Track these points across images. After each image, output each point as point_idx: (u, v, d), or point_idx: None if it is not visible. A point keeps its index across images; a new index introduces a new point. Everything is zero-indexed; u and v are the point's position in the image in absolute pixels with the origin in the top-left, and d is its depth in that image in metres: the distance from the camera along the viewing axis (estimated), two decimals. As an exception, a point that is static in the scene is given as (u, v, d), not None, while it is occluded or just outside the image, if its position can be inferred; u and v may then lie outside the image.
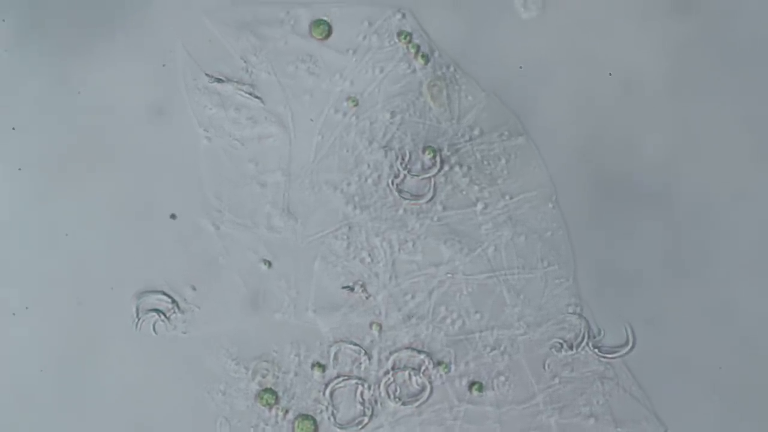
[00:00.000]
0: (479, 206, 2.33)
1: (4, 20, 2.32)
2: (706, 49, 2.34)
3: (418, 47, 2.32)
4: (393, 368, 2.35)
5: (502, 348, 2.35)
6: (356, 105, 2.32)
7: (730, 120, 2.34)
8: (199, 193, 2.34)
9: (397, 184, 2.32)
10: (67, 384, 2.37)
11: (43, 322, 2.36)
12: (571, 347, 2.35)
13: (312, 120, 2.32)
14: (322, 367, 2.35)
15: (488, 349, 2.35)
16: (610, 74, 2.34)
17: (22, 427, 2.37)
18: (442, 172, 2.32)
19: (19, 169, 2.34)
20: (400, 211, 2.33)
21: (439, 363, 2.35)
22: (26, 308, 2.35)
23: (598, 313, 2.34)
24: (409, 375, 2.34)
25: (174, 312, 2.33)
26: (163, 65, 2.33)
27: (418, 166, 2.33)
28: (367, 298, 2.34)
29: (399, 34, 2.32)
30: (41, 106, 2.33)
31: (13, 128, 2.33)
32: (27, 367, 2.36)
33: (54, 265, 2.35)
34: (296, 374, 2.35)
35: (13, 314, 2.35)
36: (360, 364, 2.35)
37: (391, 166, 2.32)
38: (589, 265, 2.34)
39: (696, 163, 2.35)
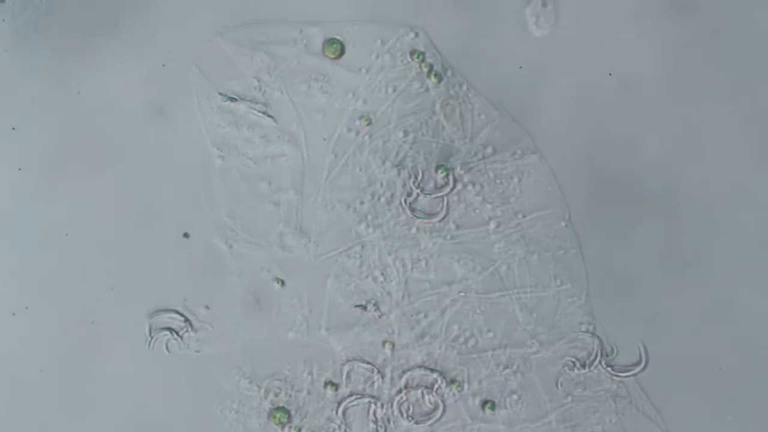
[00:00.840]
0: (492, 225, 2.33)
1: (3, 20, 2.32)
2: (706, 49, 2.34)
3: (431, 66, 2.32)
4: (406, 387, 2.35)
5: (514, 366, 2.35)
6: (369, 124, 2.32)
7: (730, 120, 2.34)
8: (212, 210, 2.34)
9: (410, 203, 2.33)
10: (67, 384, 2.37)
11: (43, 322, 2.36)
12: (584, 366, 2.35)
13: (325, 139, 2.32)
14: (335, 386, 2.35)
15: (501, 367, 2.35)
16: (610, 74, 2.34)
17: (22, 427, 2.37)
18: (455, 190, 2.33)
19: (19, 169, 2.34)
20: (413, 230, 2.33)
21: (452, 381, 2.35)
22: (26, 308, 2.35)
23: (597, 314, 2.34)
24: (422, 393, 2.35)
25: (187, 331, 2.34)
26: (163, 65, 2.33)
27: (431, 184, 2.33)
28: (380, 316, 2.34)
29: (412, 53, 2.32)
30: (41, 106, 2.34)
31: (13, 128, 2.33)
32: (27, 367, 2.36)
33: (54, 265, 2.35)
34: (309, 393, 2.35)
35: (13, 314, 2.35)
36: (373, 382, 2.35)
37: (404, 185, 2.33)
38: (589, 265, 2.34)
39: (696, 163, 2.35)
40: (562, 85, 2.34)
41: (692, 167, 2.35)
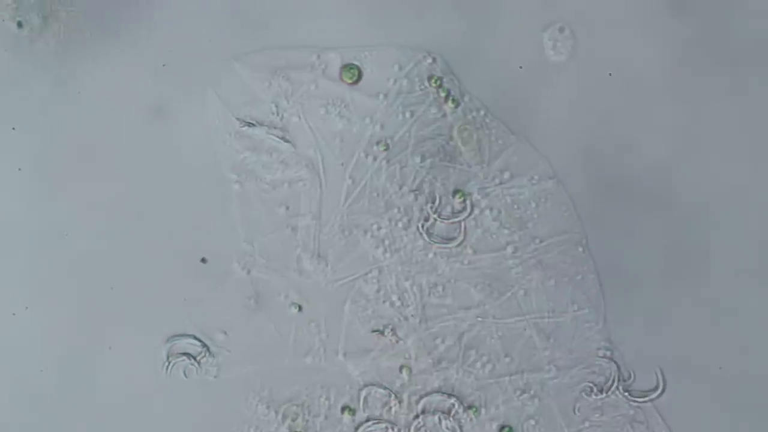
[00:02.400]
0: (509, 250, 2.33)
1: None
2: (706, 49, 2.33)
3: (448, 91, 2.32)
4: (423, 412, 2.34)
5: (532, 391, 2.34)
6: (386, 149, 2.32)
7: (730, 120, 2.33)
8: (227, 230, 2.34)
9: (427, 228, 2.33)
10: (67, 385, 2.37)
11: (43, 322, 2.36)
12: (601, 391, 2.34)
13: (342, 164, 2.32)
14: (352, 411, 2.34)
15: (518, 392, 2.34)
16: (610, 74, 2.34)
17: (22, 427, 2.37)
18: (472, 215, 2.33)
19: (19, 169, 2.34)
20: (430, 255, 2.33)
21: (469, 407, 2.34)
22: (26, 308, 2.35)
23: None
24: (440, 419, 2.34)
25: (204, 356, 2.34)
26: (163, 65, 2.34)
27: (448, 210, 2.33)
28: (397, 341, 2.34)
29: (429, 78, 2.32)
30: (41, 106, 2.34)
31: (13, 128, 2.33)
32: (27, 367, 2.36)
33: (54, 265, 2.35)
34: (326, 418, 2.35)
35: (13, 314, 2.35)
36: (390, 407, 2.35)
37: (422, 210, 2.33)
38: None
39: (696, 163, 2.34)
40: (562, 85, 2.34)
41: (692, 167, 2.34)
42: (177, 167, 2.34)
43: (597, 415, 2.35)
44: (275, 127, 2.33)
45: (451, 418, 2.34)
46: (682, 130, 2.34)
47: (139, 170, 2.35)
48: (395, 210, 2.33)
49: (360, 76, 2.32)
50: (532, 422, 2.34)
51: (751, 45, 2.33)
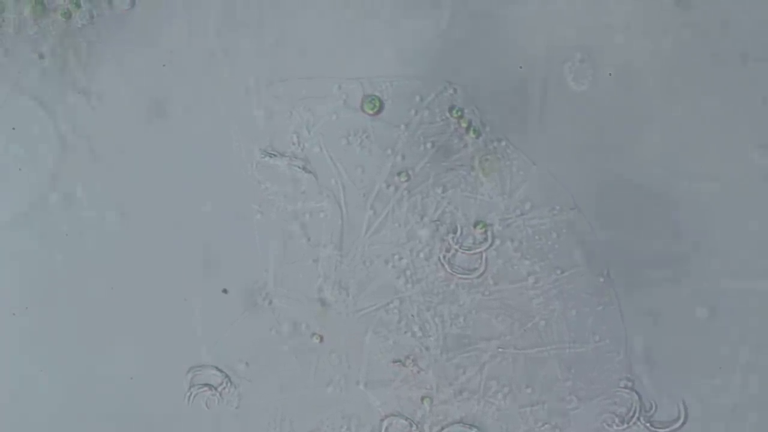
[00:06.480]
0: (530, 280, 2.33)
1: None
2: (706, 48, 2.33)
3: (469, 122, 2.32)
4: (444, 443, 2.35)
5: (553, 422, 2.34)
6: (408, 179, 2.32)
7: (730, 119, 2.32)
8: (250, 264, 2.35)
9: (448, 259, 2.33)
10: (67, 384, 2.37)
11: (43, 322, 2.36)
12: (623, 421, 2.34)
13: (364, 194, 2.33)
14: (374, 442, 2.35)
15: (540, 423, 2.34)
16: (610, 74, 2.34)
17: (22, 427, 2.37)
18: (494, 246, 2.32)
19: (20, 169, 2.34)
20: (452, 286, 2.33)
21: (490, 437, 2.35)
22: (26, 308, 2.35)
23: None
24: (461, 450, 2.35)
25: (225, 387, 2.34)
26: (163, 65, 2.34)
27: (470, 240, 2.33)
28: (418, 372, 2.34)
29: (450, 108, 2.32)
30: (41, 106, 2.34)
31: (13, 128, 2.33)
32: (27, 367, 2.36)
33: (54, 265, 2.35)
34: (347, 448, 2.36)
35: (13, 314, 2.35)
36: (411, 438, 2.35)
37: (443, 241, 2.33)
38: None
39: (696, 163, 2.34)
40: (561, 85, 2.33)
41: (692, 167, 2.34)
42: (178, 168, 2.34)
43: (618, 446, 2.35)
44: (296, 158, 2.33)
45: (473, 449, 2.34)
46: (682, 130, 2.34)
47: (139, 170, 2.35)
48: (416, 240, 2.33)
49: (381, 106, 2.33)
50: (554, 453, 2.34)
51: (751, 45, 2.33)
